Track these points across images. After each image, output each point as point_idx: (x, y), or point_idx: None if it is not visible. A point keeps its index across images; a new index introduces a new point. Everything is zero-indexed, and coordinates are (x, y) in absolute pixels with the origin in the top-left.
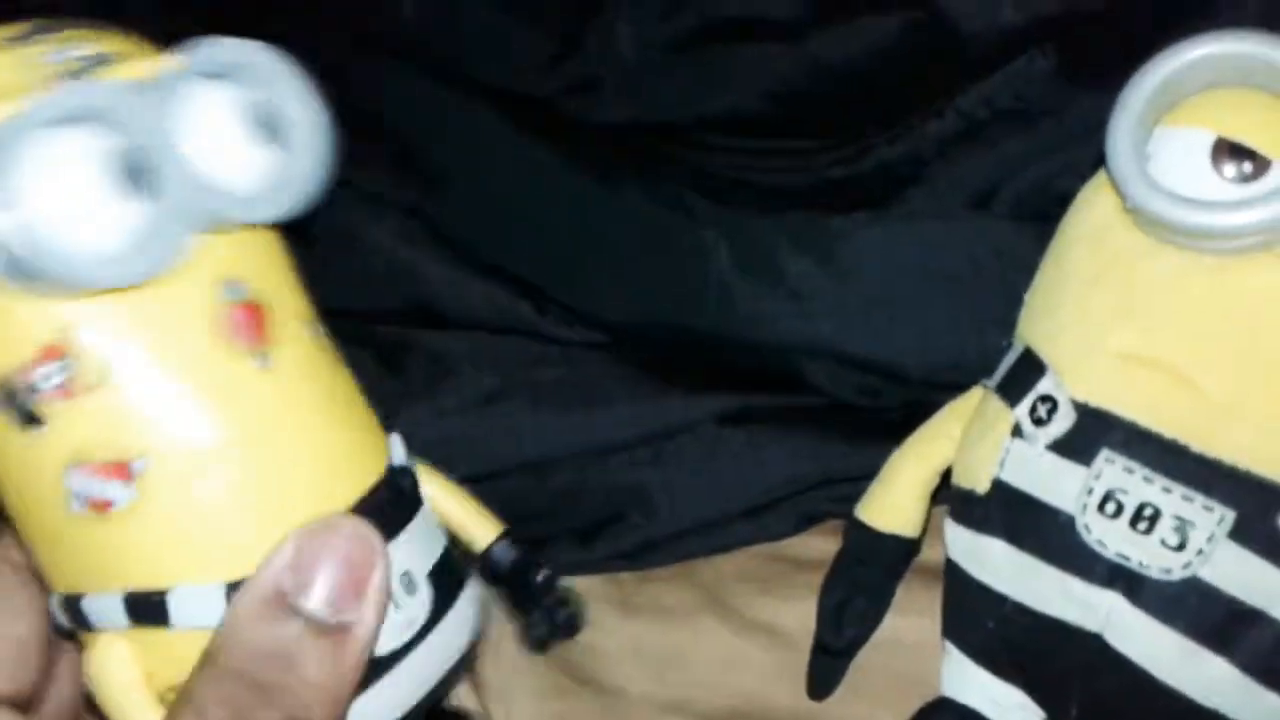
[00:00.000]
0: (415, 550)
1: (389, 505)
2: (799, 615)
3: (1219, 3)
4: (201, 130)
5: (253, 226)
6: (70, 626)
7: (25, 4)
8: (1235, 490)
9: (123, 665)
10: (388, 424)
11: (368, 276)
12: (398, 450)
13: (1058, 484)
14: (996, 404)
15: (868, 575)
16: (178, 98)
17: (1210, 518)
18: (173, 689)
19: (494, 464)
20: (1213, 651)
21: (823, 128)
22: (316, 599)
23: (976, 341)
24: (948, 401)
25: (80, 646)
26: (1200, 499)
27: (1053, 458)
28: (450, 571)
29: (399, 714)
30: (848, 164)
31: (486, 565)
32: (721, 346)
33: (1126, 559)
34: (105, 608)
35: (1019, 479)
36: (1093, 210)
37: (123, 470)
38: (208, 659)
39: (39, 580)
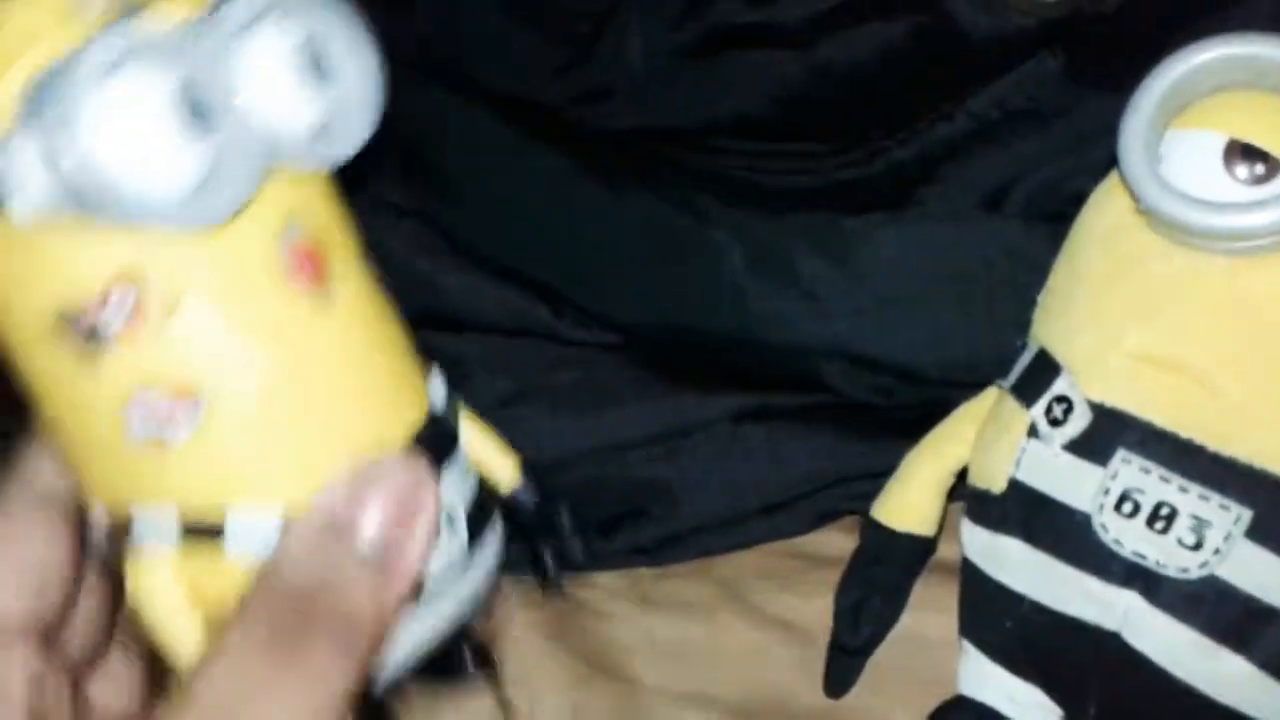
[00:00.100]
0: (456, 487)
1: (435, 442)
2: (817, 611)
3: (1231, 4)
4: (256, 68)
5: (307, 168)
6: (113, 544)
7: None
8: (1252, 489)
9: (169, 583)
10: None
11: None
12: (440, 388)
13: (1074, 484)
14: (1012, 404)
15: (884, 574)
16: (231, 35)
17: (1227, 517)
18: (213, 611)
19: None
20: (1230, 649)
21: (831, 132)
22: (368, 531)
23: (990, 341)
24: (963, 400)
25: (107, 569)
26: (1217, 498)
27: (1069, 458)
28: (482, 509)
29: (431, 642)
30: (858, 166)
31: (509, 502)
32: (736, 347)
33: (1143, 558)
34: (156, 526)
35: (1035, 479)
36: (1106, 211)
37: (183, 403)
38: (260, 582)
39: (64, 506)
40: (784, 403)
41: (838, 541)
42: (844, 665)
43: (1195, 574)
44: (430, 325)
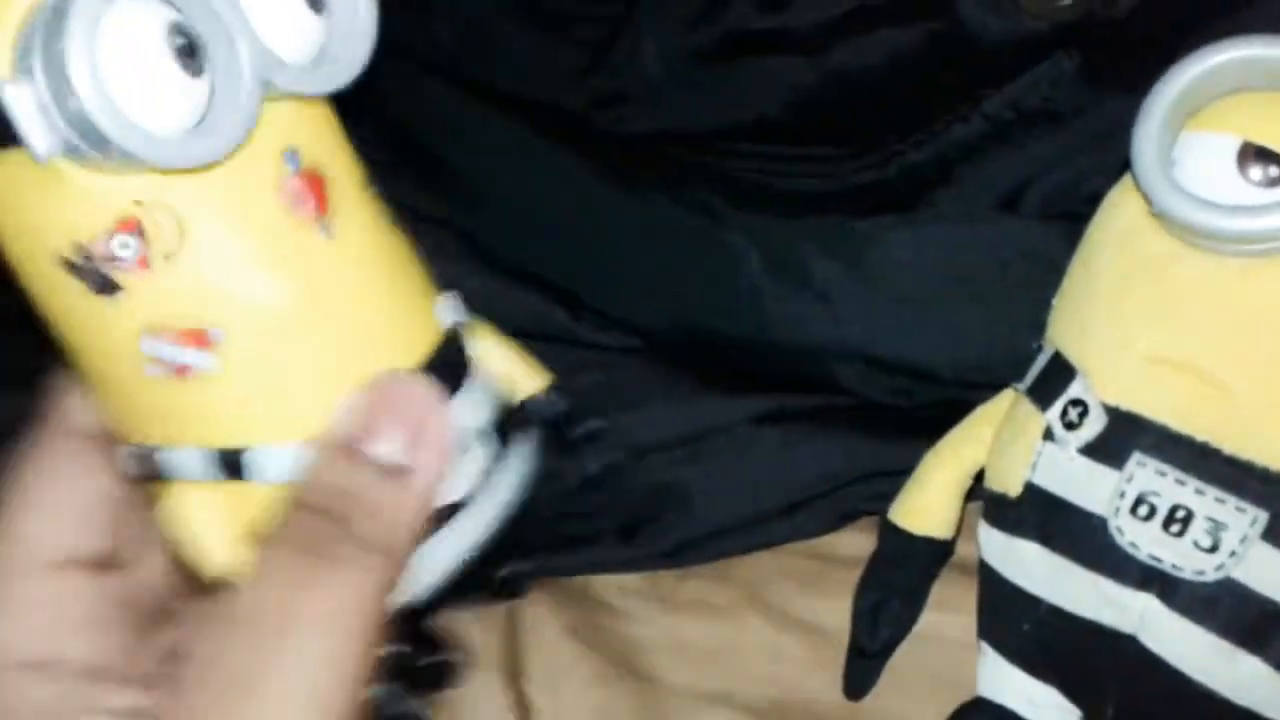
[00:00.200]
0: (472, 407)
1: (447, 363)
2: (837, 612)
3: (1244, 6)
4: (250, 1)
5: (307, 98)
6: (143, 476)
7: None
8: (1268, 491)
9: (199, 509)
10: None
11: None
12: (454, 310)
13: (1090, 487)
14: (1028, 407)
15: (902, 577)
16: None
17: (1243, 519)
18: (242, 536)
19: None
20: (1247, 651)
21: (846, 136)
22: (384, 446)
23: (1006, 342)
24: (980, 401)
25: (150, 495)
26: (1233, 501)
27: (1085, 461)
28: (503, 427)
29: (460, 557)
30: (873, 170)
31: (533, 413)
32: (753, 349)
33: (1159, 561)
34: (183, 462)
35: (1051, 482)
36: (1120, 213)
37: (199, 337)
38: (292, 499)
39: (104, 442)
40: (801, 404)
41: (858, 542)
42: (862, 667)
43: (1211, 576)
44: None
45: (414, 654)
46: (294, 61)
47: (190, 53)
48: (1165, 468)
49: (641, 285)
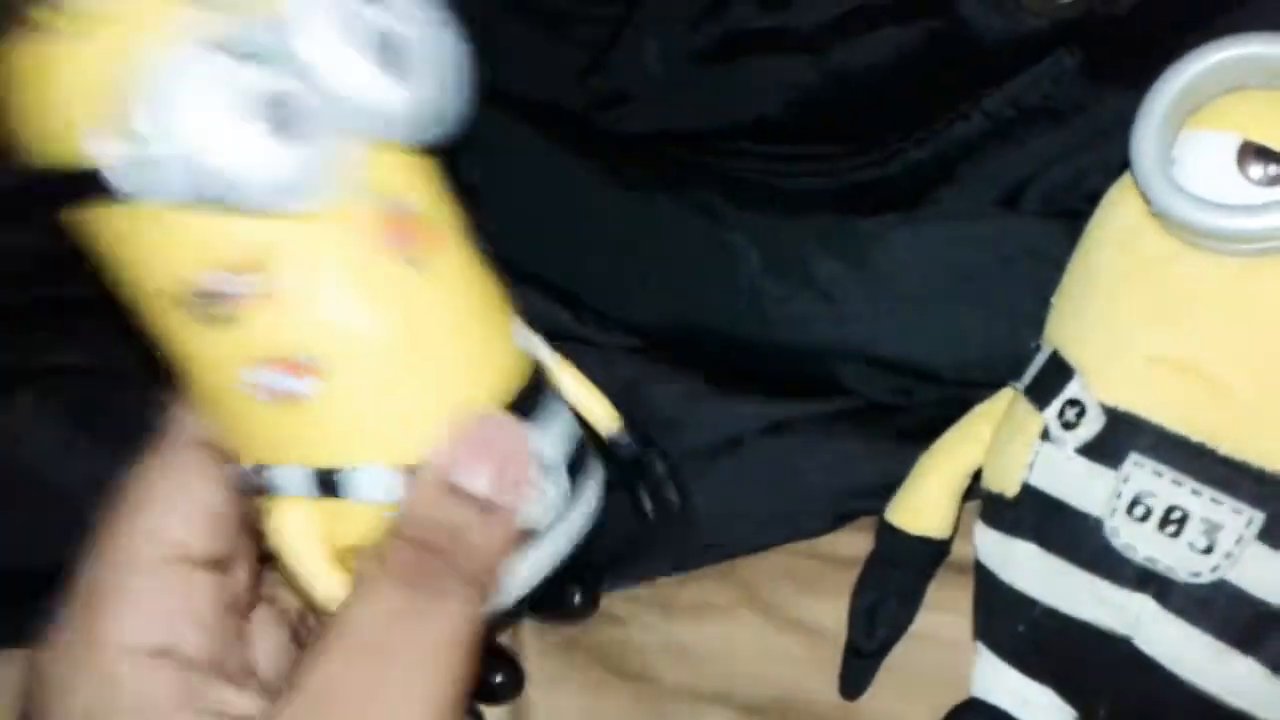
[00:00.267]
0: (553, 439)
1: (532, 398)
2: (835, 612)
3: (1244, 4)
4: (345, 61)
5: (405, 146)
6: (253, 491)
7: None
8: (1264, 492)
9: (303, 527)
10: None
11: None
12: (537, 346)
13: (1087, 488)
14: (1025, 407)
15: (898, 577)
16: (311, 27)
17: (1239, 520)
18: (344, 550)
19: None
20: (1241, 653)
21: (847, 135)
22: (480, 484)
23: (1008, 340)
24: (981, 399)
25: (259, 507)
26: (1229, 502)
27: (1082, 461)
28: (580, 458)
29: (540, 578)
30: (875, 168)
31: (610, 449)
32: (754, 349)
33: (1155, 562)
34: (290, 480)
35: (1048, 483)
36: (1120, 212)
37: (299, 367)
38: (392, 531)
39: (217, 455)
40: (804, 408)
41: (856, 542)
42: (858, 667)
43: (1207, 578)
44: None
45: (483, 672)
46: (388, 118)
47: (278, 107)
48: (1162, 468)
49: (643, 285)
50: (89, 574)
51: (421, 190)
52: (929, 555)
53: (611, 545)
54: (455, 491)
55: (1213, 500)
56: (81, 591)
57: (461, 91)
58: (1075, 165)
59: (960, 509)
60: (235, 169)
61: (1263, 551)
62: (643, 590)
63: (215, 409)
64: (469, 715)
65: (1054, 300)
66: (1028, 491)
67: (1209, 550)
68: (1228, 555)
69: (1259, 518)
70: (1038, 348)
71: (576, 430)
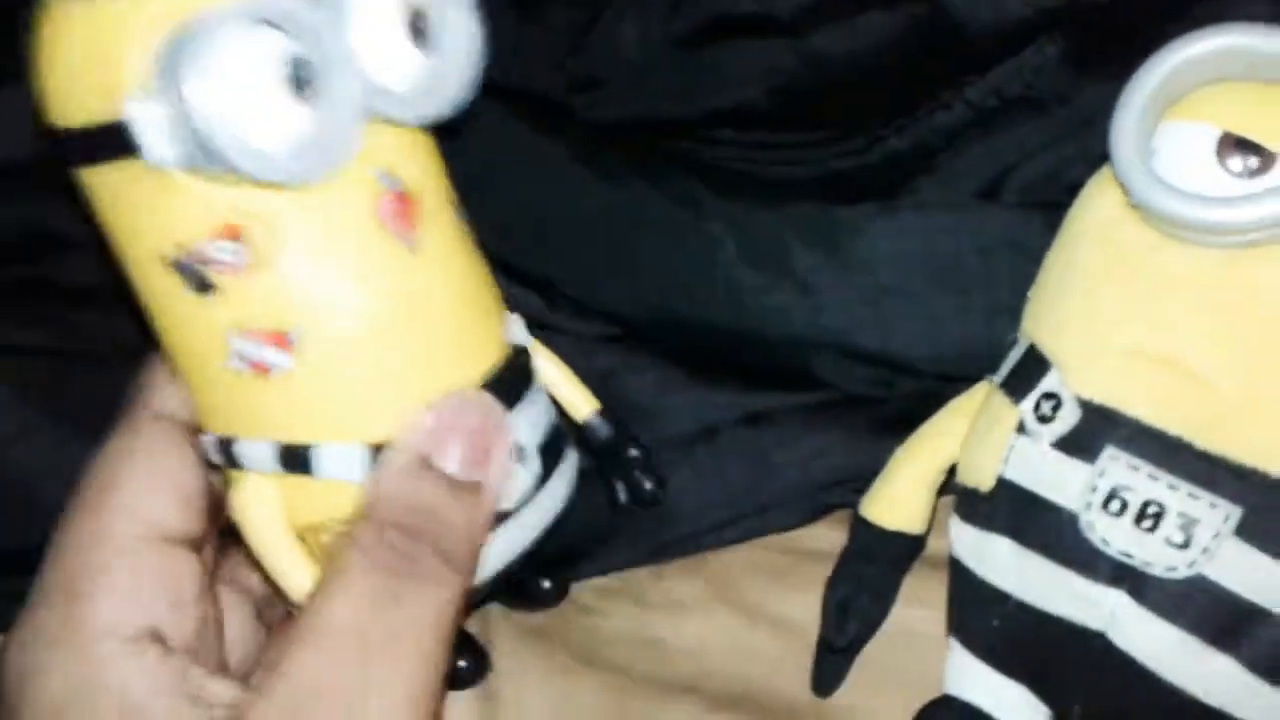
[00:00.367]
0: (529, 422)
1: (510, 381)
2: (808, 606)
3: None
4: (364, 33)
5: (407, 123)
6: (220, 464)
7: None
8: (1241, 487)
9: (267, 503)
10: None
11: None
12: (518, 330)
13: (1062, 482)
14: (1001, 400)
15: (872, 572)
16: (344, 3)
17: (1216, 515)
18: (309, 528)
19: None
20: (1217, 649)
21: (827, 122)
22: (453, 462)
23: (986, 331)
24: (958, 392)
25: (226, 482)
26: (1206, 496)
27: (1057, 455)
28: (555, 442)
29: (510, 561)
30: (855, 156)
31: (584, 434)
32: (732, 339)
33: (1130, 557)
34: (257, 453)
35: (1023, 477)
36: (1099, 204)
37: (282, 339)
38: (365, 511)
39: (190, 430)
40: (781, 399)
41: (830, 536)
42: (831, 663)
43: (1183, 573)
44: None
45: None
46: (398, 90)
47: (301, 80)
48: (1138, 462)
49: (618, 272)
50: (64, 554)
51: (422, 168)
52: (903, 550)
53: (583, 533)
54: (435, 472)
55: (1190, 495)
56: (57, 572)
57: (475, 71)
58: (1057, 156)
59: (936, 503)
60: (256, 134)
61: (1240, 547)
62: (615, 581)
63: (192, 378)
64: None
65: (1031, 293)
66: (1003, 485)
67: (1186, 545)
68: (1204, 550)
69: (1236, 513)
70: (1014, 340)
71: (552, 414)
